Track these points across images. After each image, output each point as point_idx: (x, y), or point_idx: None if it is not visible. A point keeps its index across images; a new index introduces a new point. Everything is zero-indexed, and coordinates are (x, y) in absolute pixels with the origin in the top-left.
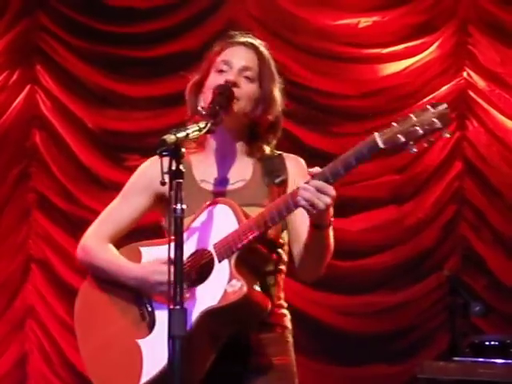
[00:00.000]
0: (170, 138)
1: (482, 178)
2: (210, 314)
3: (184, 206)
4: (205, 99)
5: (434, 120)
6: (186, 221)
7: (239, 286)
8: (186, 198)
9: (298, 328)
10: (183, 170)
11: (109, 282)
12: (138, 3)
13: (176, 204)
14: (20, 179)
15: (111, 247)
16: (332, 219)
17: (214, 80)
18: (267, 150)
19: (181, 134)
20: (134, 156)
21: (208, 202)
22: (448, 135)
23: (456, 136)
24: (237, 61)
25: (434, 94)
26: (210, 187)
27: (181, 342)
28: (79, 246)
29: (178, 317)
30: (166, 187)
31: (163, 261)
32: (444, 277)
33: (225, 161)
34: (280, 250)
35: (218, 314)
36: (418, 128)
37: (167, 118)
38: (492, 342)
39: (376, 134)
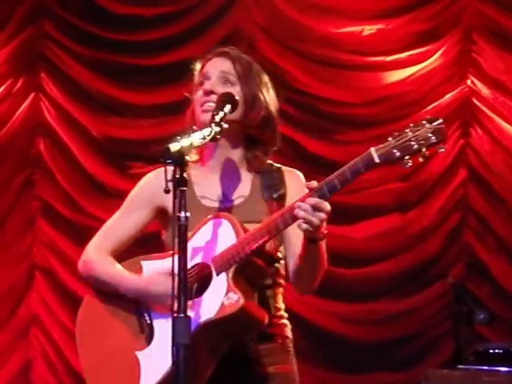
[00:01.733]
0: (175, 145)
1: (486, 185)
2: (207, 327)
3: (188, 214)
4: (195, 114)
5: (429, 135)
6: (189, 235)
7: (236, 298)
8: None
9: (301, 335)
10: (187, 178)
11: (110, 295)
12: (143, 11)
13: (180, 212)
14: (24, 187)
15: (112, 260)
16: (326, 232)
17: (196, 94)
18: (267, 161)
19: (185, 142)
20: (138, 164)
21: (209, 216)
22: (442, 150)
23: (460, 144)
24: (212, 70)
25: (437, 102)
26: (209, 203)
27: (185, 350)
28: (80, 260)
29: (182, 325)
30: (168, 200)
31: (163, 272)
32: (448, 284)
33: (225, 175)
34: (277, 264)
35: (215, 326)
36: (413, 143)
37: (171, 125)
38: (496, 350)
39: (372, 149)
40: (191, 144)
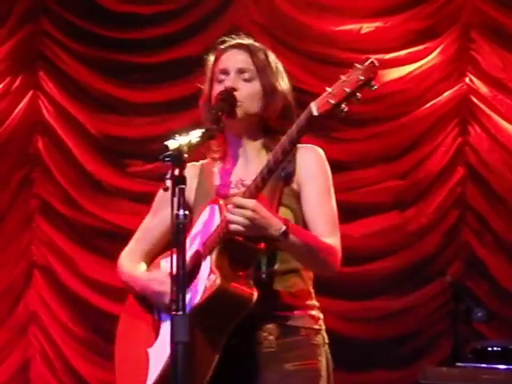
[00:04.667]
0: (173, 143)
1: (484, 183)
2: (196, 312)
3: (187, 212)
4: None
5: (360, 76)
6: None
7: (213, 278)
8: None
9: None
10: (186, 176)
11: (138, 297)
12: (141, 9)
13: (178, 210)
14: (23, 185)
15: (138, 263)
16: (282, 229)
17: (216, 90)
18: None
19: (183, 140)
20: (136, 162)
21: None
22: (374, 88)
23: (458, 141)
24: (231, 66)
25: (436, 100)
26: (227, 191)
27: (183, 348)
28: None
29: (181, 322)
30: (189, 194)
31: (165, 271)
32: (446, 283)
33: (244, 163)
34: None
35: (202, 310)
36: (345, 88)
37: (170, 123)
38: (495, 348)
39: (312, 103)
40: (189, 142)
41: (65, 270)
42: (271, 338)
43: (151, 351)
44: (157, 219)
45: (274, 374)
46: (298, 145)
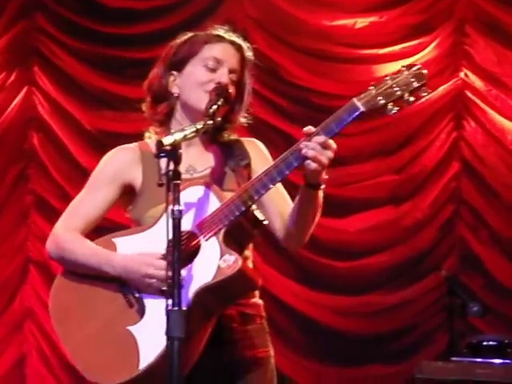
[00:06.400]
0: (168, 139)
1: (479, 178)
2: (206, 291)
3: (181, 208)
4: (183, 89)
5: (411, 80)
6: (160, 208)
7: (233, 259)
8: (153, 189)
9: (296, 328)
10: (181, 172)
11: (86, 275)
12: (136, 4)
13: (174, 205)
14: (18, 181)
15: (84, 238)
16: (326, 177)
17: (202, 75)
18: (225, 135)
19: (178, 136)
20: None
21: (182, 186)
22: (425, 94)
23: (453, 136)
24: (227, 61)
25: (431, 95)
26: None
27: (179, 343)
28: (49, 241)
29: (176, 318)
30: (133, 176)
31: (157, 255)
32: (442, 277)
33: (189, 150)
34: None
35: (213, 290)
36: (395, 89)
37: None
38: (490, 342)
39: (354, 99)
40: (184, 137)
41: (60, 266)
42: (235, 325)
43: (136, 329)
44: (95, 196)
45: (238, 361)
46: (241, 138)
